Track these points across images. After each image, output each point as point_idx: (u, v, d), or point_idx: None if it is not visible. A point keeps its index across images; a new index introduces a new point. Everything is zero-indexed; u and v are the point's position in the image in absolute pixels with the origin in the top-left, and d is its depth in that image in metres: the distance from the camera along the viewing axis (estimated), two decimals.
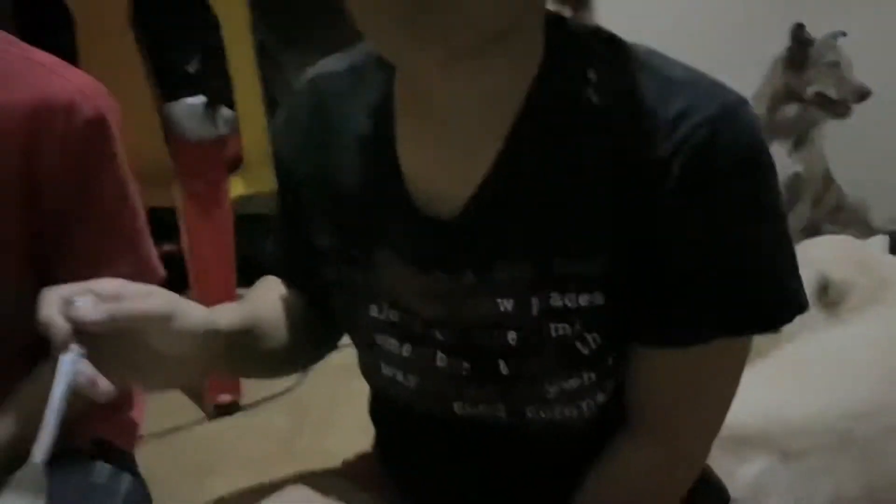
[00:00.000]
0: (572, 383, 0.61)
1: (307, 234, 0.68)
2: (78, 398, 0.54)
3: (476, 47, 0.53)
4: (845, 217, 2.41)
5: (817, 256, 1.53)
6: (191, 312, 0.57)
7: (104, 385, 0.53)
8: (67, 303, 0.53)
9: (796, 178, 2.28)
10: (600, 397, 0.62)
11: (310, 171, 0.66)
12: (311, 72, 0.69)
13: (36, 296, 0.82)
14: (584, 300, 0.58)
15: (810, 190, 2.31)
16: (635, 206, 0.56)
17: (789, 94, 2.22)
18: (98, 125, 0.80)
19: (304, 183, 0.67)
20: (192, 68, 1.59)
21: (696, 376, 0.61)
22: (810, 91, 2.20)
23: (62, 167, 0.79)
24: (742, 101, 0.57)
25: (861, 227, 2.40)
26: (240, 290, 1.67)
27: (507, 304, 0.59)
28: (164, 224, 1.66)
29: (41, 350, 0.81)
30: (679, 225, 0.56)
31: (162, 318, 0.55)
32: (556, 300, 0.58)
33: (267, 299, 0.72)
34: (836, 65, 2.14)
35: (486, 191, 0.59)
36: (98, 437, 0.88)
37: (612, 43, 0.60)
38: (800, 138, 2.26)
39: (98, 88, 0.82)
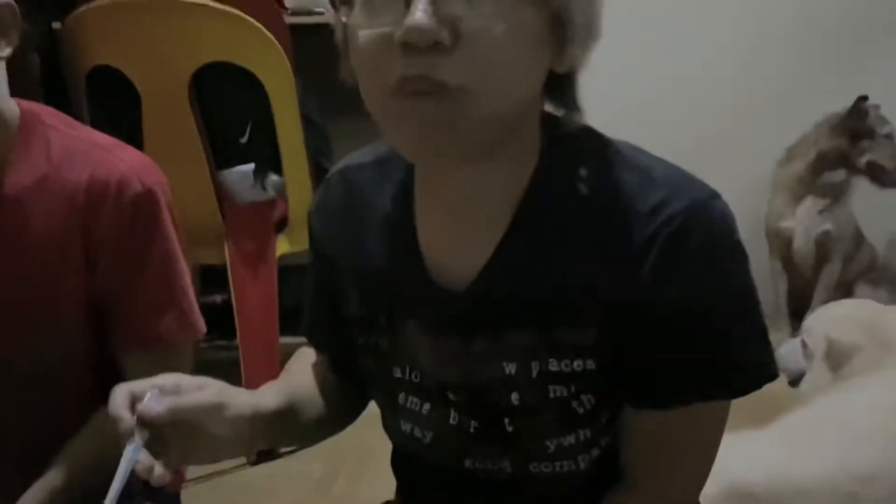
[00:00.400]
0: (570, 439, 0.68)
1: (337, 304, 0.77)
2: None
3: (479, 154, 0.62)
4: (877, 276, 2.41)
5: (831, 318, 1.57)
6: (239, 399, 0.67)
7: (160, 471, 0.62)
8: (134, 398, 0.64)
9: (826, 237, 2.32)
10: (596, 452, 0.69)
11: (340, 249, 0.75)
12: (342, 163, 0.78)
13: (91, 344, 0.94)
14: (578, 365, 0.66)
15: (841, 249, 2.33)
16: (620, 285, 0.63)
17: (839, 160, 2.24)
18: (147, 198, 0.90)
19: (334, 259, 0.75)
20: (243, 139, 1.73)
21: (681, 435, 0.68)
22: (863, 160, 2.22)
23: (115, 235, 0.89)
24: (713, 195, 0.65)
25: (893, 285, 2.41)
26: (282, 339, 1.79)
27: (511, 368, 0.67)
28: (217, 277, 1.80)
29: (94, 392, 0.90)
30: (655, 304, 0.63)
31: (214, 408, 0.65)
32: (554, 365, 0.66)
33: (303, 375, 0.81)
34: (891, 136, 2.19)
35: (492, 267, 0.67)
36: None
37: (600, 141, 0.68)
38: (832, 199, 2.29)
39: (149, 166, 0.92)
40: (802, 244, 2.32)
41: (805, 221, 2.29)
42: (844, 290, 2.38)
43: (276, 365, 1.74)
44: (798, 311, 2.42)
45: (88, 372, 0.95)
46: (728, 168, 2.47)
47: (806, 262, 2.36)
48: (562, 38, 0.60)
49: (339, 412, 0.82)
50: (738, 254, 0.65)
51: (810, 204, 2.30)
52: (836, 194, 2.29)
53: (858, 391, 1.35)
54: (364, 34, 0.57)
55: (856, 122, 2.22)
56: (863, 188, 2.33)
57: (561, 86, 0.65)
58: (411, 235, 0.70)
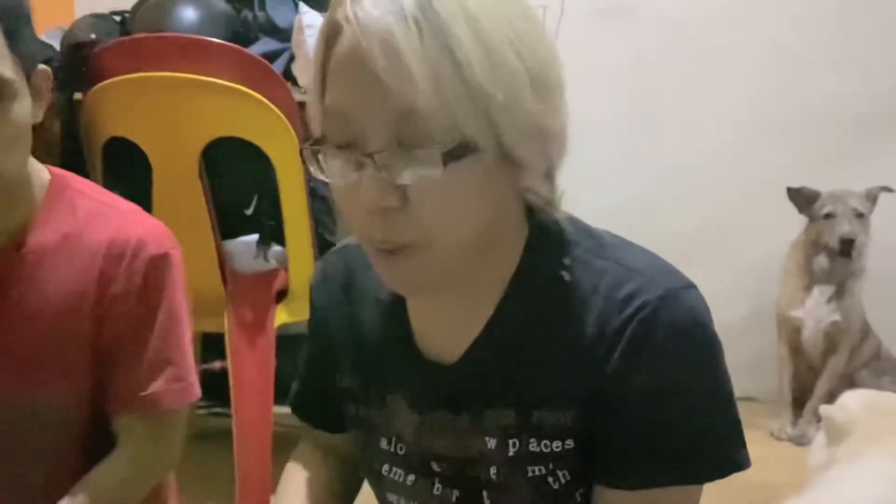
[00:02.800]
0: None
1: (331, 375, 0.81)
2: None
3: (458, 273, 0.66)
4: (880, 366, 2.41)
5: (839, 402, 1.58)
6: None
7: None
8: None
9: (835, 327, 2.32)
10: None
11: (338, 322, 0.80)
12: (342, 242, 0.83)
13: (95, 402, 0.95)
14: (556, 446, 0.68)
15: (848, 339, 2.34)
16: (594, 370, 0.66)
17: (816, 244, 2.30)
18: (161, 261, 0.95)
19: (332, 332, 0.80)
20: (249, 210, 1.77)
21: None
22: (820, 242, 2.29)
23: (127, 292, 0.94)
24: (687, 286, 0.67)
25: None
26: (276, 409, 1.79)
27: (491, 443, 0.70)
28: (219, 343, 1.81)
29: (98, 446, 0.95)
30: (625, 391, 0.66)
31: None
32: (534, 445, 0.69)
33: (297, 495, 0.84)
34: (829, 215, 2.25)
35: (479, 346, 0.71)
36: None
37: (584, 231, 0.72)
38: (839, 288, 2.32)
39: (164, 231, 0.98)
40: (811, 334, 2.33)
41: (815, 311, 2.32)
42: (848, 379, 2.38)
43: (268, 434, 1.74)
44: (800, 398, 2.40)
45: (93, 428, 0.98)
46: (731, 255, 2.52)
47: (814, 351, 2.37)
48: (515, 172, 0.63)
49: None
50: (708, 344, 0.67)
51: (818, 293, 2.31)
52: (839, 281, 2.30)
53: (850, 480, 1.35)
54: (335, 187, 0.63)
55: (799, 207, 2.31)
56: (868, 276, 2.34)
57: (535, 191, 0.68)
58: (402, 313, 0.74)
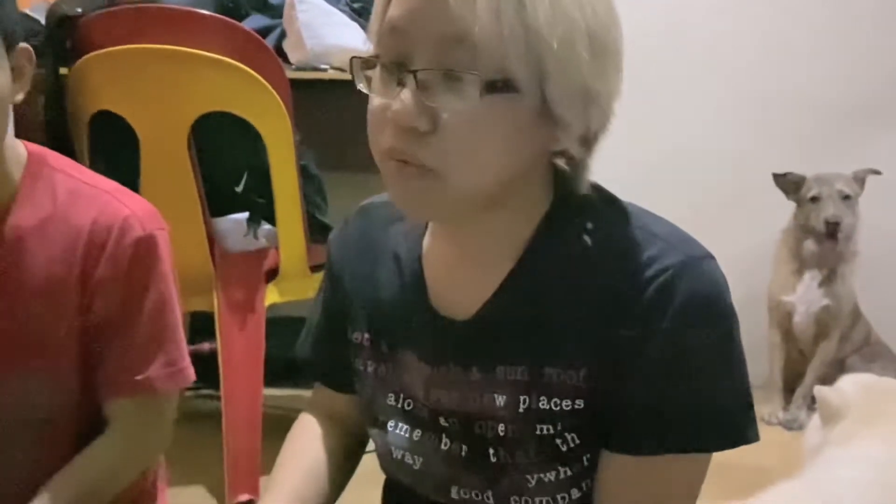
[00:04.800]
0: (550, 476, 0.70)
1: (342, 328, 0.81)
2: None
3: (468, 215, 0.67)
4: (871, 352, 2.41)
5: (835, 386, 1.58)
6: None
7: None
8: None
9: (826, 312, 2.32)
10: (575, 493, 0.70)
11: (352, 275, 0.81)
12: (366, 201, 0.84)
13: (83, 388, 0.93)
14: (566, 405, 0.68)
15: (839, 324, 2.34)
16: (609, 329, 0.67)
17: (805, 229, 2.30)
18: (146, 244, 0.92)
19: (346, 284, 0.81)
20: (239, 188, 1.74)
21: (654, 483, 0.69)
22: (807, 226, 2.29)
23: (113, 277, 0.91)
24: (707, 256, 0.68)
25: (887, 361, 2.40)
26: (266, 391, 1.77)
27: (500, 400, 0.70)
28: (207, 324, 1.78)
29: (86, 435, 0.93)
30: (639, 350, 0.66)
31: None
32: (544, 403, 0.69)
33: (303, 464, 0.85)
34: (815, 198, 2.25)
35: (494, 303, 0.71)
36: None
37: (608, 198, 0.73)
38: (830, 273, 2.32)
39: (150, 212, 0.95)
40: (803, 318, 2.33)
41: (805, 296, 2.32)
42: (839, 364, 2.38)
43: (258, 417, 1.72)
44: (791, 384, 2.41)
45: (80, 415, 0.95)
46: (722, 241, 2.47)
47: (805, 336, 2.37)
48: (552, 128, 0.64)
49: (344, 469, 0.87)
50: (725, 314, 0.67)
51: (809, 278, 2.31)
52: (829, 265, 2.30)
53: (842, 464, 1.34)
54: (371, 104, 0.65)
55: (786, 192, 2.31)
56: (859, 262, 2.34)
57: (568, 153, 0.67)
58: (418, 269, 0.75)
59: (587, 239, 0.69)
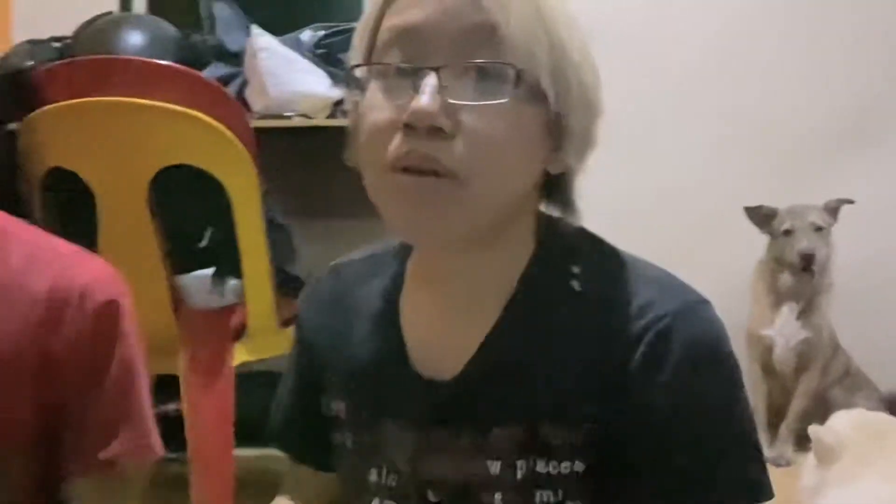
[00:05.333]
0: None
1: (318, 401, 0.76)
2: None
3: (470, 242, 0.64)
4: (852, 382, 2.39)
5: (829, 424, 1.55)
6: None
7: None
8: None
9: (806, 344, 2.30)
10: None
11: (326, 342, 0.76)
12: (337, 260, 0.80)
13: (41, 471, 0.85)
14: (565, 467, 0.64)
15: (820, 357, 2.32)
16: (610, 383, 0.63)
17: (780, 262, 2.28)
18: (109, 311, 0.86)
19: (320, 352, 0.76)
20: (203, 243, 1.67)
21: None
22: (782, 259, 2.27)
23: (73, 349, 0.84)
24: (703, 301, 0.66)
25: (869, 391, 2.38)
26: (236, 452, 1.68)
27: (495, 467, 0.65)
28: (172, 384, 1.70)
29: None
30: (642, 407, 0.62)
31: None
32: (542, 466, 0.64)
33: None
34: (789, 231, 2.23)
35: (481, 357, 0.67)
36: None
37: (595, 241, 0.71)
38: (808, 305, 2.29)
39: (112, 275, 0.89)
40: (783, 352, 2.31)
41: (784, 329, 2.29)
42: (821, 397, 2.36)
43: (230, 482, 1.63)
44: (774, 419, 2.38)
45: (40, 498, 0.88)
46: (699, 274, 2.46)
47: (787, 370, 2.35)
48: (557, 141, 0.63)
49: None
50: (727, 360, 0.65)
51: (787, 311, 2.29)
52: (806, 297, 2.29)
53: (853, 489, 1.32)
54: (373, 115, 0.61)
55: (759, 226, 2.28)
56: (835, 293, 2.33)
57: (558, 186, 0.67)
58: (397, 327, 0.71)
59: (576, 284, 0.67)
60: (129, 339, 0.88)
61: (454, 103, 0.59)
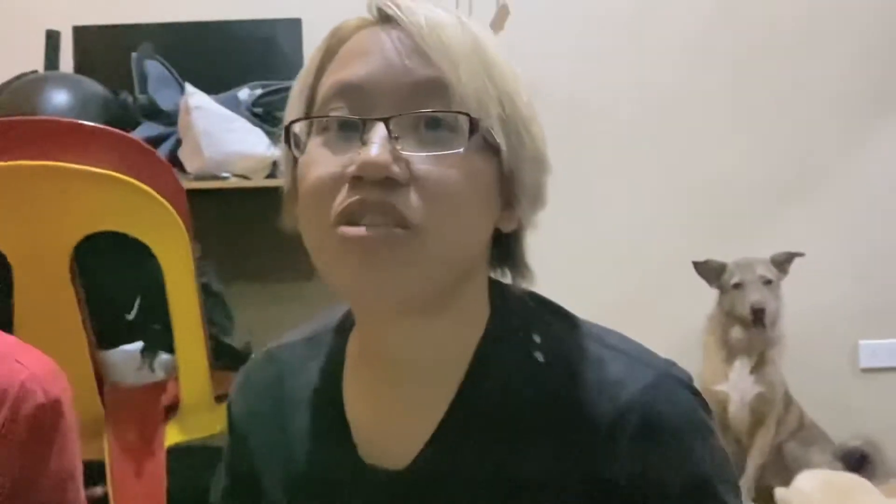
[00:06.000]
0: None
1: (256, 499, 0.69)
2: None
3: (422, 306, 0.58)
4: (806, 435, 2.37)
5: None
6: None
7: None
8: None
9: (760, 399, 2.27)
10: None
11: (263, 437, 0.69)
12: (271, 343, 0.74)
13: None
14: None
15: (774, 411, 2.29)
16: (589, 469, 0.58)
17: (731, 316, 2.27)
18: (49, 412, 0.79)
19: (256, 450, 0.70)
20: (130, 315, 1.56)
21: None
22: (733, 313, 2.26)
23: (6, 454, 0.77)
24: (672, 364, 0.63)
25: (823, 443, 2.36)
26: None
27: None
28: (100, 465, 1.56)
29: None
30: (638, 495, 0.58)
31: None
32: None
33: None
34: (739, 285, 2.22)
35: (435, 445, 0.60)
36: None
37: (550, 307, 0.66)
38: (760, 359, 2.27)
39: (52, 371, 0.82)
40: (738, 408, 2.28)
41: (739, 384, 2.27)
42: (776, 451, 2.33)
43: None
44: None
45: None
46: (648, 329, 2.43)
47: (742, 426, 2.32)
48: (509, 197, 0.60)
49: None
50: (709, 422, 0.62)
51: (740, 365, 2.27)
52: (758, 351, 2.27)
53: None
54: (316, 171, 0.57)
55: (708, 280, 2.28)
56: (786, 345, 2.32)
57: (508, 247, 0.64)
58: (340, 414, 0.65)
59: (538, 355, 0.61)
60: (69, 441, 0.82)
61: (406, 154, 0.56)
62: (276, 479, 0.68)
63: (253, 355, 0.77)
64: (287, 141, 0.60)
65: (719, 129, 2.49)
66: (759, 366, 2.27)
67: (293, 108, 0.62)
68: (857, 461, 2.38)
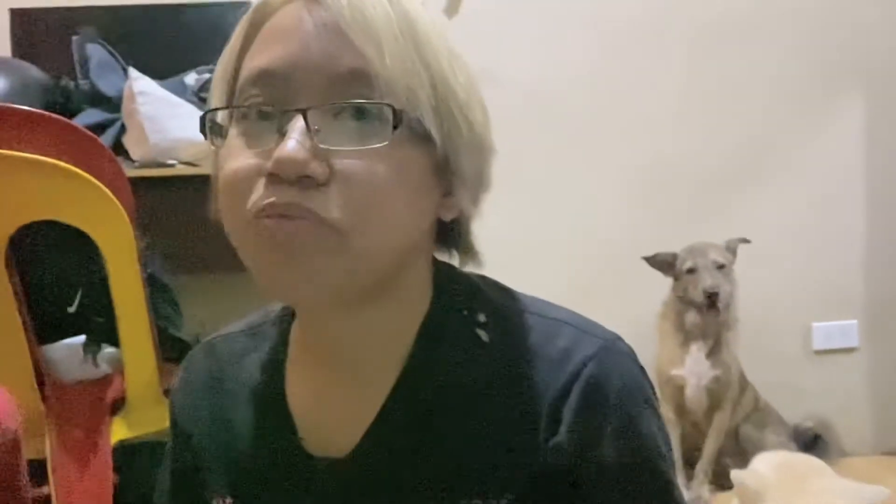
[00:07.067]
0: None
1: (201, 495, 0.68)
2: None
3: (353, 301, 0.56)
4: (761, 417, 2.40)
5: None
6: None
7: None
8: None
9: (716, 382, 2.29)
10: None
11: (205, 430, 0.68)
12: (211, 336, 0.72)
13: None
14: None
15: (730, 394, 2.31)
16: (536, 442, 0.57)
17: (685, 301, 2.28)
18: (5, 447, 0.80)
19: (199, 444, 0.68)
20: (72, 308, 1.50)
21: None
22: (686, 298, 2.28)
23: None
24: (617, 337, 0.62)
25: (777, 425, 2.40)
26: None
27: None
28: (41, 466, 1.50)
29: None
30: (584, 463, 0.57)
31: None
32: None
33: None
34: (692, 270, 2.23)
35: (378, 429, 0.59)
36: None
37: (495, 286, 0.65)
38: (716, 343, 2.29)
39: (8, 404, 0.83)
40: (695, 392, 2.30)
41: (695, 368, 2.28)
42: (732, 433, 2.35)
43: None
44: (689, 458, 2.36)
45: None
46: (603, 318, 2.46)
47: (699, 409, 2.33)
48: (448, 185, 0.58)
49: None
50: (651, 391, 0.62)
51: (696, 350, 2.28)
52: (714, 336, 2.28)
53: None
54: (233, 162, 0.54)
55: (661, 271, 2.29)
56: (741, 329, 2.34)
57: (453, 231, 0.62)
58: (282, 404, 0.64)
59: (482, 334, 0.60)
60: (19, 474, 0.83)
61: (326, 148, 0.52)
62: (221, 472, 0.66)
63: (193, 349, 0.74)
64: (205, 131, 0.57)
65: (672, 115, 2.50)
66: (715, 349, 2.29)
67: (214, 95, 0.59)
68: (811, 441, 2.42)
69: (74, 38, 2.00)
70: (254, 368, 0.67)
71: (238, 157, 0.54)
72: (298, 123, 0.52)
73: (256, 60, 0.55)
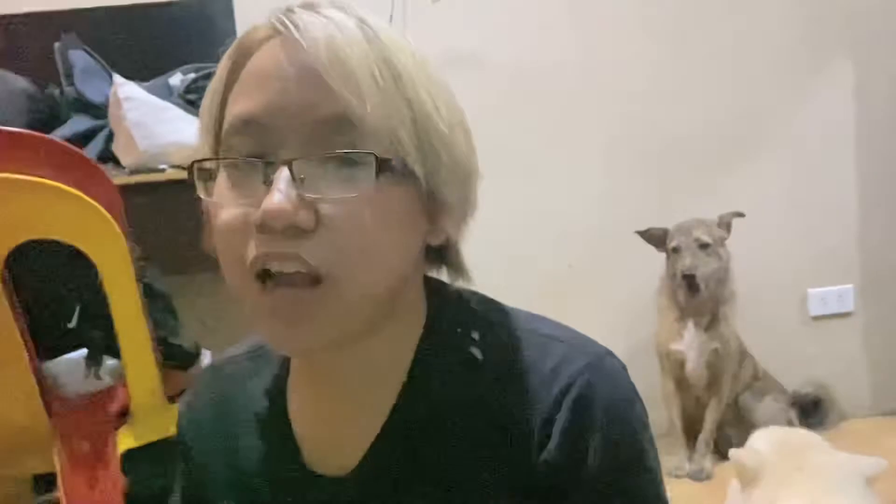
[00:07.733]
0: None
1: None
2: None
3: (346, 338, 0.58)
4: (761, 387, 2.43)
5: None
6: None
7: None
8: None
9: (715, 355, 2.30)
10: None
11: (213, 451, 0.70)
12: (214, 359, 0.75)
13: None
14: None
15: (730, 366, 2.34)
16: (528, 458, 0.59)
17: (675, 278, 2.28)
18: None
19: (205, 467, 0.70)
20: (71, 323, 1.51)
21: None
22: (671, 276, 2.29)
23: None
24: (608, 352, 0.63)
25: (777, 394, 2.42)
26: None
27: None
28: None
29: None
30: (571, 478, 0.58)
31: None
32: None
33: None
34: (676, 249, 2.24)
35: (378, 449, 0.61)
36: None
37: (487, 304, 0.66)
38: (713, 317, 2.30)
39: None
40: (695, 366, 2.31)
41: (694, 343, 2.30)
42: (732, 404, 2.38)
43: None
44: (691, 431, 2.39)
45: None
46: (603, 293, 2.49)
47: (699, 383, 2.35)
48: (435, 215, 0.59)
49: None
50: (641, 410, 0.63)
51: (693, 324, 2.30)
52: (710, 312, 2.29)
53: None
54: (224, 214, 0.55)
55: (655, 246, 2.31)
56: (738, 301, 2.35)
57: (442, 252, 0.63)
58: (285, 426, 0.66)
59: (476, 352, 0.61)
60: None
61: (311, 198, 0.53)
62: (227, 492, 0.69)
63: (200, 374, 0.77)
64: (192, 179, 0.58)
65: (661, 92, 2.48)
66: (713, 324, 2.31)
67: (202, 141, 0.60)
68: (811, 406, 2.45)
69: (56, 44, 1.99)
70: (257, 391, 0.69)
71: (227, 207, 0.55)
72: (284, 174, 0.53)
73: (239, 107, 0.56)
